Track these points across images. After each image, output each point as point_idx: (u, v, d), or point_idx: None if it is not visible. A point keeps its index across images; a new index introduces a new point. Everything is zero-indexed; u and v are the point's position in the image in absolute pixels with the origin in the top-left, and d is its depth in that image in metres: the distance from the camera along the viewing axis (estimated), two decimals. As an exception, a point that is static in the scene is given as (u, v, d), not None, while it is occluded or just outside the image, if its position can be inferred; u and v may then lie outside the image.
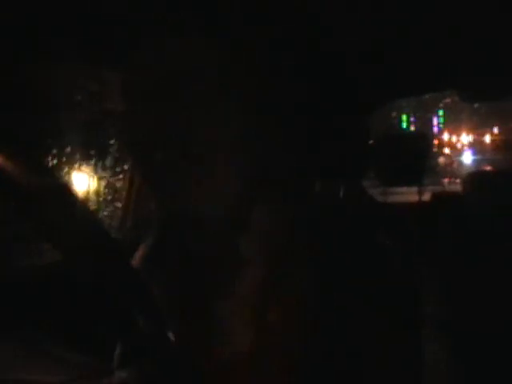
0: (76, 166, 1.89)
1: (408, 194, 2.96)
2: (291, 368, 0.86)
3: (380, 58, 2.07)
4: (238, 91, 0.92)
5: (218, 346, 0.89)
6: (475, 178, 2.36)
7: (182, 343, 0.82)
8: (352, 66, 1.86)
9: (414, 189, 2.65)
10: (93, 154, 1.94)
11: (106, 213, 1.88)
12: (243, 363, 0.87)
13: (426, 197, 2.60)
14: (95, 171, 1.95)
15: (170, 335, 0.73)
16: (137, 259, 1.01)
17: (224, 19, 0.93)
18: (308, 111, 1.27)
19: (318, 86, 1.32)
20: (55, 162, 1.76)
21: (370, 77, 2.17)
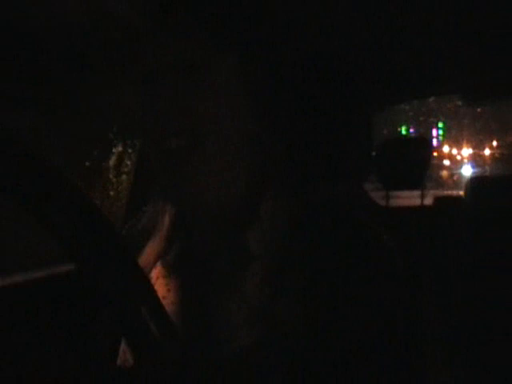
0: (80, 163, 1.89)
1: (410, 198, 2.97)
2: (295, 363, 0.86)
3: (383, 58, 2.08)
4: (244, 90, 0.93)
5: (223, 341, 0.89)
6: (477, 183, 2.37)
7: (186, 340, 0.82)
8: (355, 67, 1.87)
9: (416, 193, 2.66)
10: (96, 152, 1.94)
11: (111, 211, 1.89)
12: (247, 359, 0.87)
13: (429, 201, 2.61)
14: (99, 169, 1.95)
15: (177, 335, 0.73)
16: (146, 258, 1.01)
17: (230, 22, 0.94)
18: (309, 111, 1.28)
19: (320, 86, 1.33)
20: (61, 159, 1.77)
21: (372, 77, 2.19)
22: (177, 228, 1.01)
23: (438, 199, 2.63)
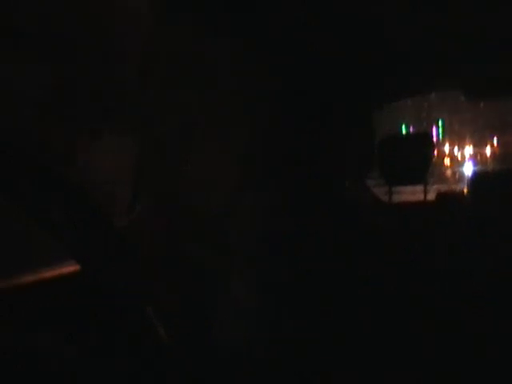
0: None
1: (413, 194, 2.96)
2: (283, 357, 0.85)
3: (384, 56, 2.07)
4: (246, 89, 0.92)
5: (217, 338, 0.89)
6: (480, 177, 2.38)
7: (186, 338, 0.81)
8: (358, 65, 1.85)
9: (419, 188, 2.65)
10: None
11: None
12: (240, 353, 0.86)
13: (432, 196, 2.60)
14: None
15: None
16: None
17: (232, 18, 0.93)
18: (310, 108, 1.26)
19: (323, 85, 1.31)
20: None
21: (375, 73, 2.17)
22: (169, 228, 1.00)
23: (440, 194, 2.63)
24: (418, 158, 2.49)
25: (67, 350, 0.87)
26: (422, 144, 2.51)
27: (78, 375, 0.73)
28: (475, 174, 2.46)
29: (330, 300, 0.87)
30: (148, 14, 0.92)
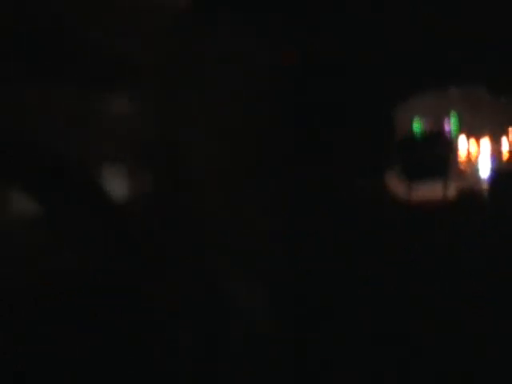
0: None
1: (432, 191, 2.94)
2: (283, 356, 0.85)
3: (402, 52, 2.05)
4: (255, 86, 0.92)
5: (217, 339, 0.89)
6: (501, 175, 2.36)
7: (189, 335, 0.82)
8: (377, 63, 1.84)
9: (438, 184, 2.63)
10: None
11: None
12: (240, 353, 0.87)
13: (452, 193, 2.58)
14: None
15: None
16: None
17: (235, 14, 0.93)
18: (311, 108, 1.26)
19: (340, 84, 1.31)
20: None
21: (391, 69, 2.15)
22: (169, 228, 1.00)
23: (459, 192, 2.61)
24: (436, 154, 2.48)
25: (67, 350, 0.88)
26: (440, 140, 2.51)
27: (78, 375, 0.74)
28: (496, 171, 2.44)
29: (330, 300, 0.86)
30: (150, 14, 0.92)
